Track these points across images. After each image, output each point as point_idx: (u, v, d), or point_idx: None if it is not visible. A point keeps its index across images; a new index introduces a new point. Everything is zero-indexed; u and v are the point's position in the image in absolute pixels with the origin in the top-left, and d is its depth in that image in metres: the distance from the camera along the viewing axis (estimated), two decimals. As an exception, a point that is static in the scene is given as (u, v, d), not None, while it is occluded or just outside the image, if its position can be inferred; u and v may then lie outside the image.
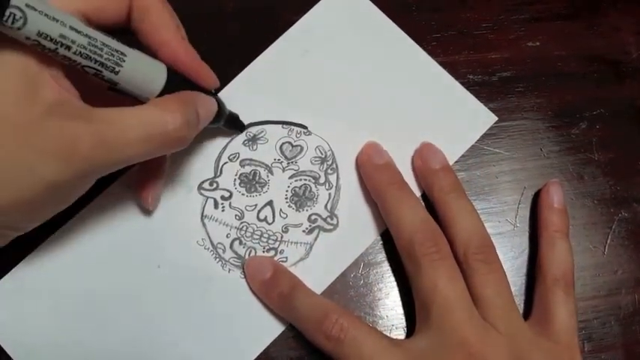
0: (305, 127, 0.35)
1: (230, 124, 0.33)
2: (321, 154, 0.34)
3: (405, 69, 0.36)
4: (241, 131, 0.34)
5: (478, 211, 0.32)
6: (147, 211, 0.32)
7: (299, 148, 0.34)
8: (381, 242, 0.33)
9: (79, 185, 0.25)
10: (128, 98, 0.27)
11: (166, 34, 0.27)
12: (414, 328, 0.31)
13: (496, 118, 0.36)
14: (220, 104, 0.31)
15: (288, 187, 0.34)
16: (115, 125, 0.24)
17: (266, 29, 0.36)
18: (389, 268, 0.33)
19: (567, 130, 0.36)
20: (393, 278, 0.33)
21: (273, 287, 0.31)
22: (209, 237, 0.32)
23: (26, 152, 0.23)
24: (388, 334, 0.32)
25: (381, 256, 0.33)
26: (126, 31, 0.27)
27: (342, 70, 0.35)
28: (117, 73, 0.25)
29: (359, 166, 0.34)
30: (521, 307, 0.33)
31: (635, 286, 0.34)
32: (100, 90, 0.27)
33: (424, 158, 0.34)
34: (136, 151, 0.25)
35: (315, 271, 0.32)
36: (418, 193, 0.34)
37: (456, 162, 0.35)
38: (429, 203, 0.33)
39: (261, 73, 0.35)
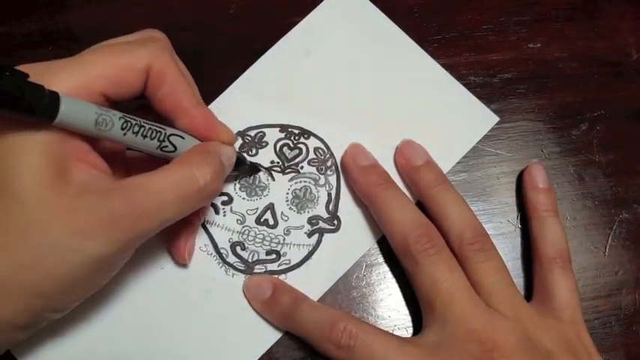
0: (304, 129, 0.34)
1: (251, 170, 0.33)
2: (321, 155, 0.34)
3: (406, 70, 0.36)
4: (255, 173, 0.34)
5: (479, 212, 0.32)
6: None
7: (298, 150, 0.34)
8: (383, 243, 0.33)
9: (121, 257, 0.25)
10: (144, 158, 0.27)
11: (185, 103, 0.27)
12: (417, 327, 0.31)
13: (497, 119, 0.36)
14: (240, 155, 0.31)
15: (289, 189, 0.34)
16: (149, 192, 0.24)
17: (268, 31, 0.36)
18: (391, 268, 0.33)
19: (568, 131, 0.36)
20: (395, 279, 0.33)
21: (275, 306, 0.31)
22: (212, 242, 0.32)
23: (69, 234, 0.22)
24: (391, 335, 0.32)
25: (383, 256, 0.33)
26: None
27: (343, 71, 0.35)
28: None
29: (343, 169, 0.34)
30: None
31: (636, 286, 0.34)
32: (119, 155, 0.28)
33: (406, 156, 0.33)
34: (173, 213, 0.25)
35: (318, 272, 0.32)
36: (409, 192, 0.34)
37: (458, 163, 0.35)
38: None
39: (263, 74, 0.35)
